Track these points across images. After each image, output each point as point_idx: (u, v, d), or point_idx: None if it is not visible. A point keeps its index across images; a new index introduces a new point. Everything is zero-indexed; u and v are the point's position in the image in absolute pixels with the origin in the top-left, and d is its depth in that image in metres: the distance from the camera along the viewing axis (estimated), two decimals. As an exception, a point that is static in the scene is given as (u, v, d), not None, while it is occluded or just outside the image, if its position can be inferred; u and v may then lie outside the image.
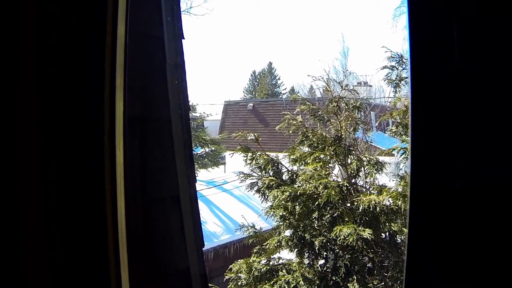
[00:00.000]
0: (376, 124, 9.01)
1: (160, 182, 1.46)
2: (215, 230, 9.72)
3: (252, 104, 19.40)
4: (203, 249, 1.58)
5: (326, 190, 4.47)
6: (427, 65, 0.87)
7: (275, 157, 5.09)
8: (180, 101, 1.46)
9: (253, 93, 34.77)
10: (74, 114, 1.19)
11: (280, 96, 32.17)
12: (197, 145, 14.17)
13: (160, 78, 1.43)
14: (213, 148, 15.12)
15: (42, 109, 1.19)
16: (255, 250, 5.13)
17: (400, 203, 4.38)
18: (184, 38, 1.54)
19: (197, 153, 14.23)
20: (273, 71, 35.44)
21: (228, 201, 10.75)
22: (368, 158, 4.87)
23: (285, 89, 35.12)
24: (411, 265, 0.90)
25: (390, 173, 5.69)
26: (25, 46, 1.18)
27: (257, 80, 35.77)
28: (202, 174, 13.76)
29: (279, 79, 35.71)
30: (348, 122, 4.92)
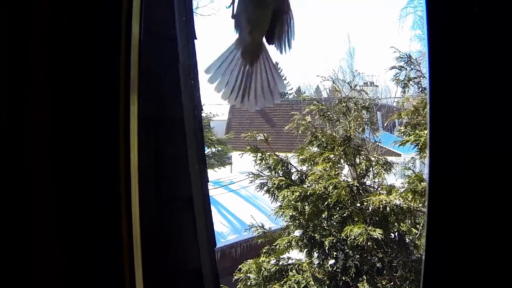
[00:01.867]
0: (385, 124, 8.99)
1: (173, 183, 1.47)
2: (222, 230, 9.72)
3: (258, 105, 19.36)
4: (213, 249, 1.58)
5: (336, 190, 4.46)
6: (446, 61, 0.85)
7: (284, 157, 5.09)
8: (193, 101, 1.46)
9: (259, 93, 34.72)
10: (89, 114, 1.19)
11: (287, 97, 32.15)
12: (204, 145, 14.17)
13: (173, 79, 1.43)
14: (219, 148, 15.11)
15: (54, 109, 1.19)
16: (264, 250, 5.14)
17: (409, 203, 4.36)
18: (196, 38, 1.55)
19: (204, 153, 14.20)
20: (279, 71, 35.43)
21: (235, 201, 10.75)
22: (376, 159, 4.86)
23: (291, 89, 35.12)
24: (428, 264, 0.89)
25: (397, 173, 5.68)
26: (36, 44, 1.18)
27: (263, 80, 35.73)
28: (208, 174, 13.75)
29: (285, 79, 35.74)
30: (357, 122, 4.91)
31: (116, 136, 1.16)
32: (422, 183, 4.30)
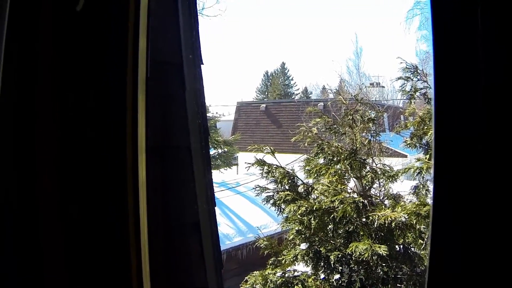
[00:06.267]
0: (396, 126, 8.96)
1: (181, 209, 1.48)
2: (228, 232, 9.73)
3: (265, 105, 19.37)
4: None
5: (342, 205, 4.47)
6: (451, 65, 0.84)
7: (291, 169, 5.05)
8: (200, 127, 1.48)
9: (266, 93, 34.65)
10: (96, 147, 1.21)
11: (293, 97, 32.05)
12: (210, 146, 14.16)
13: (180, 106, 1.44)
14: (225, 149, 15.12)
15: (61, 143, 1.22)
16: (270, 262, 5.11)
17: (414, 220, 4.35)
18: (203, 64, 1.56)
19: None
20: (286, 71, 35.27)
21: (241, 203, 10.74)
22: (382, 171, 4.83)
23: (298, 89, 34.99)
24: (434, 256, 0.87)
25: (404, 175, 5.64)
26: (44, 86, 1.20)
27: (270, 80, 35.62)
28: (214, 175, 13.76)
29: (292, 79, 35.56)
30: (364, 133, 4.89)
31: (123, 165, 1.19)
32: (426, 207, 4.30)
